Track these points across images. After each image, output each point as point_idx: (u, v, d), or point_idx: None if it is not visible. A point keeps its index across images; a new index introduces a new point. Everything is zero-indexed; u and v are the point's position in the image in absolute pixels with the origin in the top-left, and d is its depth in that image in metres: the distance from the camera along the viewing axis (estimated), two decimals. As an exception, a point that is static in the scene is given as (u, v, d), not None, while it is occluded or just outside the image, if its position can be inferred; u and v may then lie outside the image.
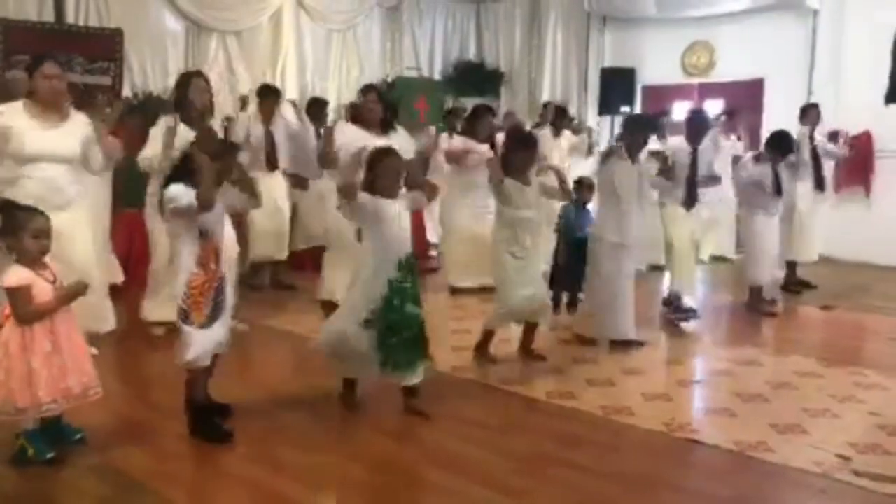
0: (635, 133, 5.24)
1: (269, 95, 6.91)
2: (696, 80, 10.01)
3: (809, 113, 7.26)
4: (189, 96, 5.01)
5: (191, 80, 5.12)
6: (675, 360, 5.09)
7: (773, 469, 3.40)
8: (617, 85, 10.33)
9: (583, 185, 6.01)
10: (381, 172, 3.80)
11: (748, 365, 4.92)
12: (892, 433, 3.78)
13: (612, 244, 5.08)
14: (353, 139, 5.08)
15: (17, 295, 3.16)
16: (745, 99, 9.02)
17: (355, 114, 5.74)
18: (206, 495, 3.22)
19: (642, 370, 4.77)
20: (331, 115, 8.10)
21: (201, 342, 3.46)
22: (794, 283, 7.22)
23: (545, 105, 9.44)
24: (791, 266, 7.21)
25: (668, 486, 3.33)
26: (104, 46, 8.14)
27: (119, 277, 6.05)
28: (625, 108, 10.21)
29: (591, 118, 10.55)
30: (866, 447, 3.59)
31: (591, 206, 6.01)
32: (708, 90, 9.95)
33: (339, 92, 10.16)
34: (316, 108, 7.60)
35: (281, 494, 3.12)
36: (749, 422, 3.92)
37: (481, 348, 4.85)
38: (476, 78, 11.29)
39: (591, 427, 3.90)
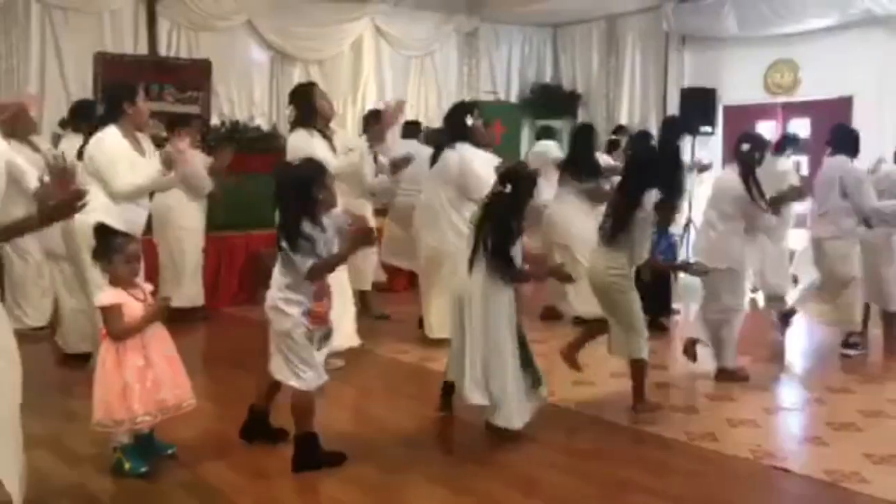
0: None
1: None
2: (779, 100, 9.76)
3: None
4: (316, 103, 5.00)
5: (313, 89, 5.16)
6: (761, 386, 4.92)
7: (867, 501, 3.27)
8: (697, 105, 10.12)
9: (666, 206, 5.86)
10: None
11: (838, 392, 4.75)
12: None
13: None
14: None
15: (110, 314, 3.34)
16: (833, 118, 8.74)
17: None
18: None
19: (727, 396, 4.66)
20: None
21: (319, 366, 3.48)
22: None
23: (619, 127, 8.72)
24: None
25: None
26: (193, 77, 8.51)
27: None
28: (706, 129, 10.02)
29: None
30: (969, 480, 3.43)
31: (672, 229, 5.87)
32: (792, 109, 9.69)
33: (416, 117, 10.30)
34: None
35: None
36: (841, 451, 3.78)
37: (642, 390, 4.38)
38: (553, 100, 11.28)
39: (674, 453, 3.83)
